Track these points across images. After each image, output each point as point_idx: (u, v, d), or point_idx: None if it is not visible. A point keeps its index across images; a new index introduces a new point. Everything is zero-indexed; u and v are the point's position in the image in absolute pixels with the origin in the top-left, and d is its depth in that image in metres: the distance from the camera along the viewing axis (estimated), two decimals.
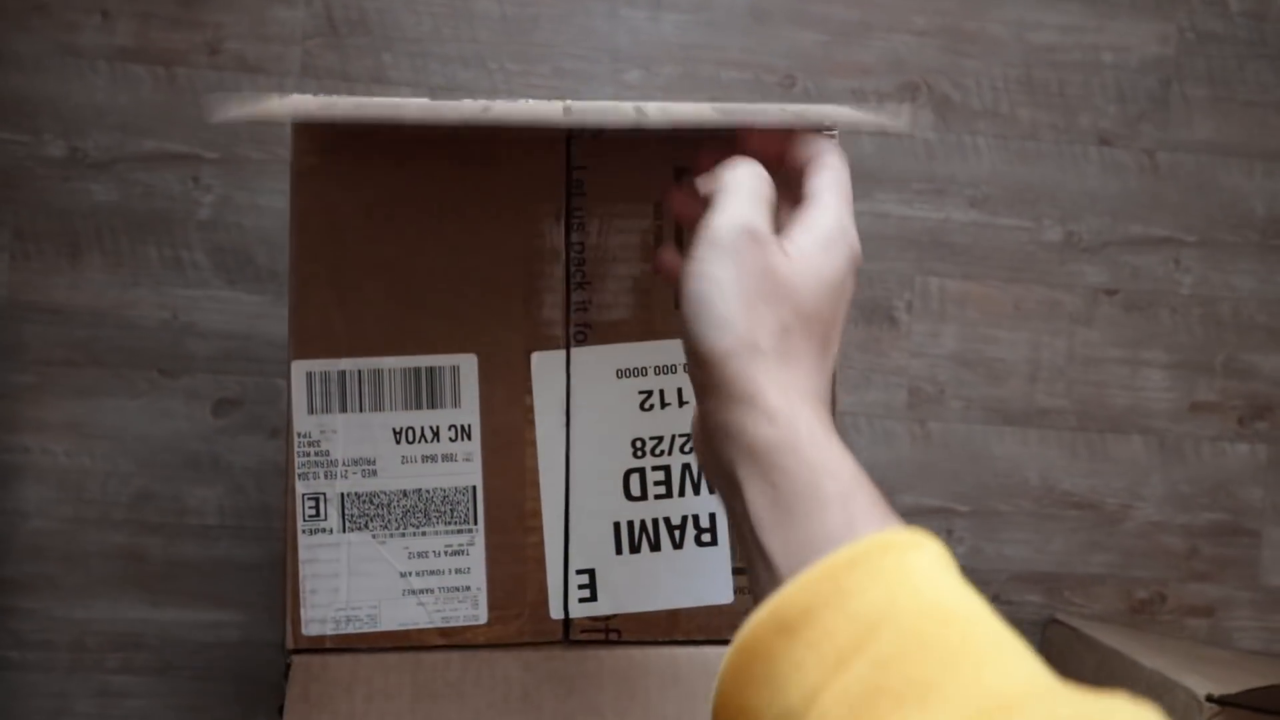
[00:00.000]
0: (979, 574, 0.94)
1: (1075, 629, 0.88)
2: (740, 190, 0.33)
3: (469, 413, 0.50)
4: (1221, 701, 0.66)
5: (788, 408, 0.30)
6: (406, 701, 0.48)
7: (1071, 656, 0.88)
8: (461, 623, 0.50)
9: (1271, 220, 0.97)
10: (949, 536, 0.94)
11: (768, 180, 0.35)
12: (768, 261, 0.32)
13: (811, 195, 0.35)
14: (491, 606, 0.51)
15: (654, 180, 0.51)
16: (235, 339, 0.90)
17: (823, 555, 0.27)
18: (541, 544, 0.51)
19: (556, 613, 0.51)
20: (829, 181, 0.36)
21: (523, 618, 0.51)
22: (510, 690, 0.49)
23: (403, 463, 0.50)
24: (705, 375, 0.31)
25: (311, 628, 0.49)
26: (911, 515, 0.94)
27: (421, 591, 0.50)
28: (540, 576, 0.51)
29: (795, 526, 0.28)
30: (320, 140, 0.50)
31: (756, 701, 0.26)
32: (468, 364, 0.50)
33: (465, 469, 0.50)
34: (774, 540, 0.28)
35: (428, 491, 0.50)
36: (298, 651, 0.49)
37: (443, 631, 0.50)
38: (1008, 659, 0.25)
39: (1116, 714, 0.23)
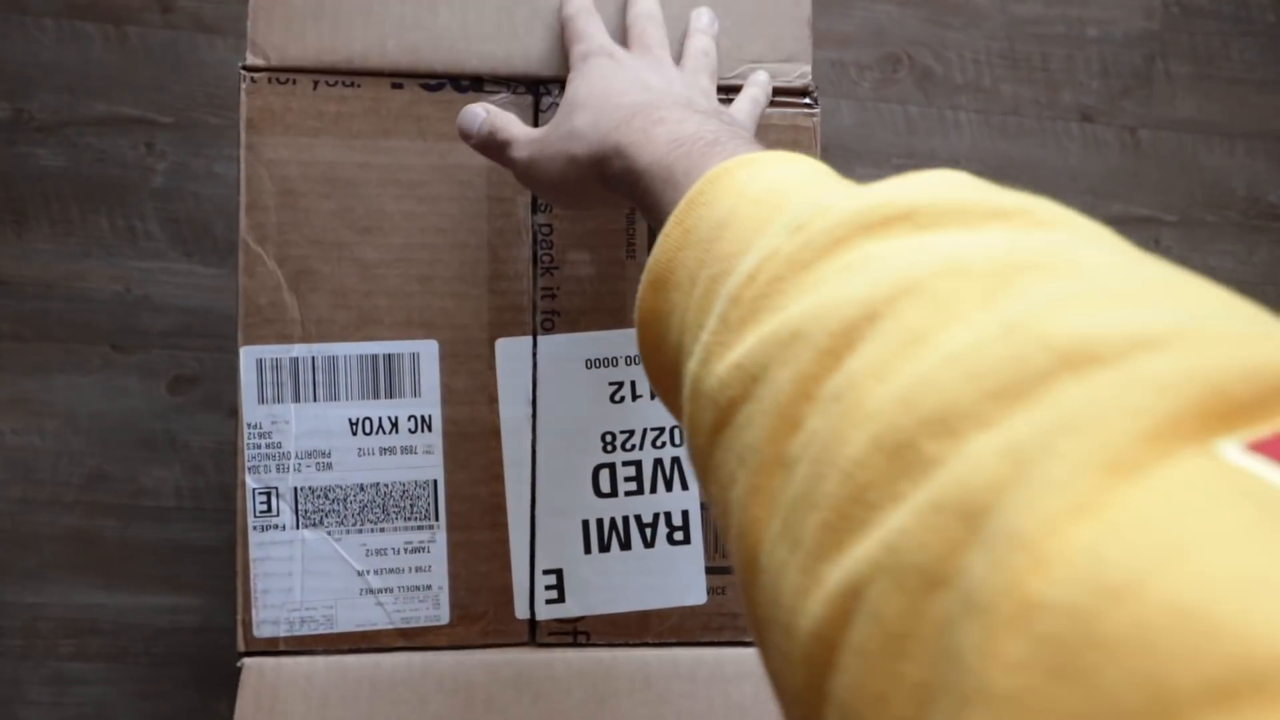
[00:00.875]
0: None
1: None
2: None
3: (429, 403, 0.48)
4: None
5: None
6: (364, 706, 0.46)
7: None
8: (422, 623, 0.48)
9: (1252, 200, 0.96)
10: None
11: None
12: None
13: None
14: (454, 606, 0.48)
15: None
16: (192, 313, 0.86)
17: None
18: (506, 542, 0.48)
19: (522, 613, 0.49)
20: None
21: (487, 618, 0.49)
22: (473, 695, 0.46)
23: (359, 455, 0.48)
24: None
25: (264, 629, 0.47)
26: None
27: (380, 591, 0.48)
28: (505, 576, 0.48)
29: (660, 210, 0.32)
30: (273, 107, 0.46)
31: (657, 353, 0.30)
32: (428, 351, 0.48)
33: (425, 462, 0.48)
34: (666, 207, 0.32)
35: (386, 486, 0.48)
36: (249, 654, 0.47)
37: (403, 633, 0.48)
38: (821, 186, 0.28)
39: (921, 176, 0.24)
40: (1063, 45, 0.94)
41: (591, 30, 0.45)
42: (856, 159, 0.92)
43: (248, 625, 0.47)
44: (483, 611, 0.48)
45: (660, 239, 0.30)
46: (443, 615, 0.48)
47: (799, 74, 0.49)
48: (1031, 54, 0.94)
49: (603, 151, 0.37)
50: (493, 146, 0.43)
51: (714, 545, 0.50)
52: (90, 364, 0.85)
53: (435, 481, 0.48)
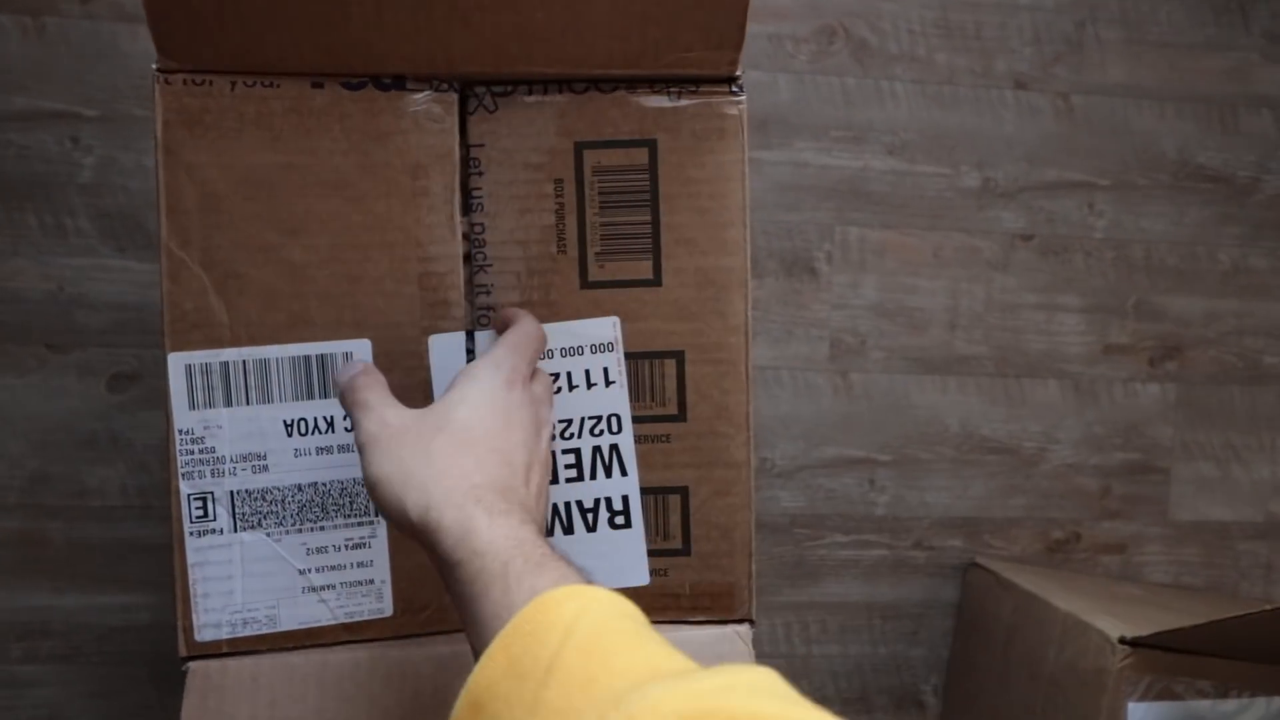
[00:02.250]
0: (901, 522, 0.95)
1: (994, 573, 0.90)
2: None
3: None
4: (1134, 643, 0.68)
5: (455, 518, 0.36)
6: (313, 704, 0.46)
7: (990, 600, 0.89)
8: (366, 617, 0.49)
9: (1182, 163, 0.98)
10: (871, 486, 0.94)
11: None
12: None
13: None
14: (397, 599, 0.49)
15: (555, 158, 0.49)
16: (128, 310, 0.85)
17: (491, 632, 0.32)
18: None
19: None
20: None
21: (430, 608, 0.49)
22: (421, 688, 0.47)
23: (296, 456, 0.48)
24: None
25: (205, 633, 0.47)
26: (834, 466, 0.94)
27: (323, 588, 0.48)
28: None
29: (476, 606, 0.34)
30: (190, 109, 0.46)
31: None
32: (361, 349, 0.48)
33: None
34: (467, 620, 0.35)
35: (324, 485, 0.48)
36: (192, 658, 0.47)
37: (347, 627, 0.48)
38: (644, 652, 0.31)
39: (738, 676, 0.28)
40: (996, 13, 0.95)
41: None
42: (794, 133, 0.93)
43: (188, 630, 0.47)
44: (426, 602, 0.49)
45: (484, 659, 0.32)
46: (386, 608, 0.49)
47: (728, 61, 0.49)
48: (965, 23, 0.95)
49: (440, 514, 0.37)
50: (348, 402, 0.42)
51: (655, 528, 0.51)
52: (26, 365, 0.84)
53: None
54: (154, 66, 0.46)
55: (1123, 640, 0.68)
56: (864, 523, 0.95)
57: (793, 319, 0.93)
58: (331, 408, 0.48)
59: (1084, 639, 0.73)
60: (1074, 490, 0.97)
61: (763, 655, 1.01)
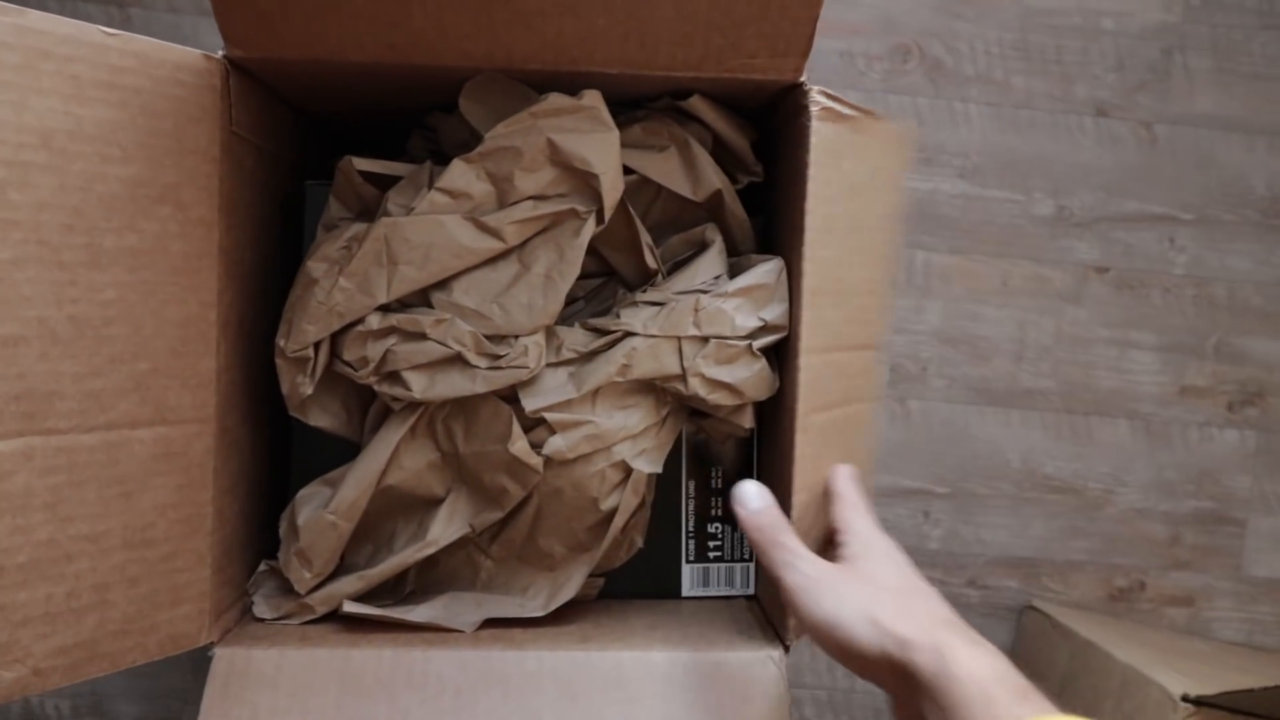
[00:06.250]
0: (956, 557, 0.91)
1: (1051, 617, 0.86)
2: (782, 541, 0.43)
3: None
4: (1198, 702, 0.64)
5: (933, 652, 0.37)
6: (333, 698, 0.45)
7: (1045, 646, 0.86)
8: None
9: (1272, 199, 0.93)
10: (926, 519, 0.91)
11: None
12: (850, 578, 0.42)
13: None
14: None
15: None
16: None
17: None
18: None
19: None
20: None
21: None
22: (443, 689, 0.46)
23: None
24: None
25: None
26: (889, 496, 0.91)
27: None
28: None
29: None
30: None
31: None
32: None
33: None
34: None
35: None
36: (220, 645, 0.46)
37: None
38: None
39: None
40: (1078, 37, 0.92)
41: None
42: None
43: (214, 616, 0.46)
44: None
45: None
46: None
47: (793, 69, 0.48)
48: (1045, 46, 0.92)
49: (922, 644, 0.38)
50: (766, 549, 0.44)
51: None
52: None
53: None
54: (220, 53, 0.46)
55: (1186, 698, 0.65)
56: (916, 555, 0.91)
57: None
58: None
59: (1145, 694, 0.69)
60: (1141, 536, 0.93)
61: (803, 687, 0.98)
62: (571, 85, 0.47)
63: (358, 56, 0.46)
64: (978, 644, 0.37)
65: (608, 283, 0.52)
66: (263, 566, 0.52)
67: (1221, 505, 0.93)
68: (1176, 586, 0.93)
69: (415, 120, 0.55)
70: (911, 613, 0.39)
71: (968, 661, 0.36)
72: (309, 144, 0.58)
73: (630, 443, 0.48)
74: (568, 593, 0.49)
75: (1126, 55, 0.93)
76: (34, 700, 0.85)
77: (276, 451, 0.54)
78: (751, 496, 0.45)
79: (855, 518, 0.45)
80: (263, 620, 0.49)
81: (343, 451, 0.51)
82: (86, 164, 0.39)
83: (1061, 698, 0.81)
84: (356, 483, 0.48)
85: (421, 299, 0.47)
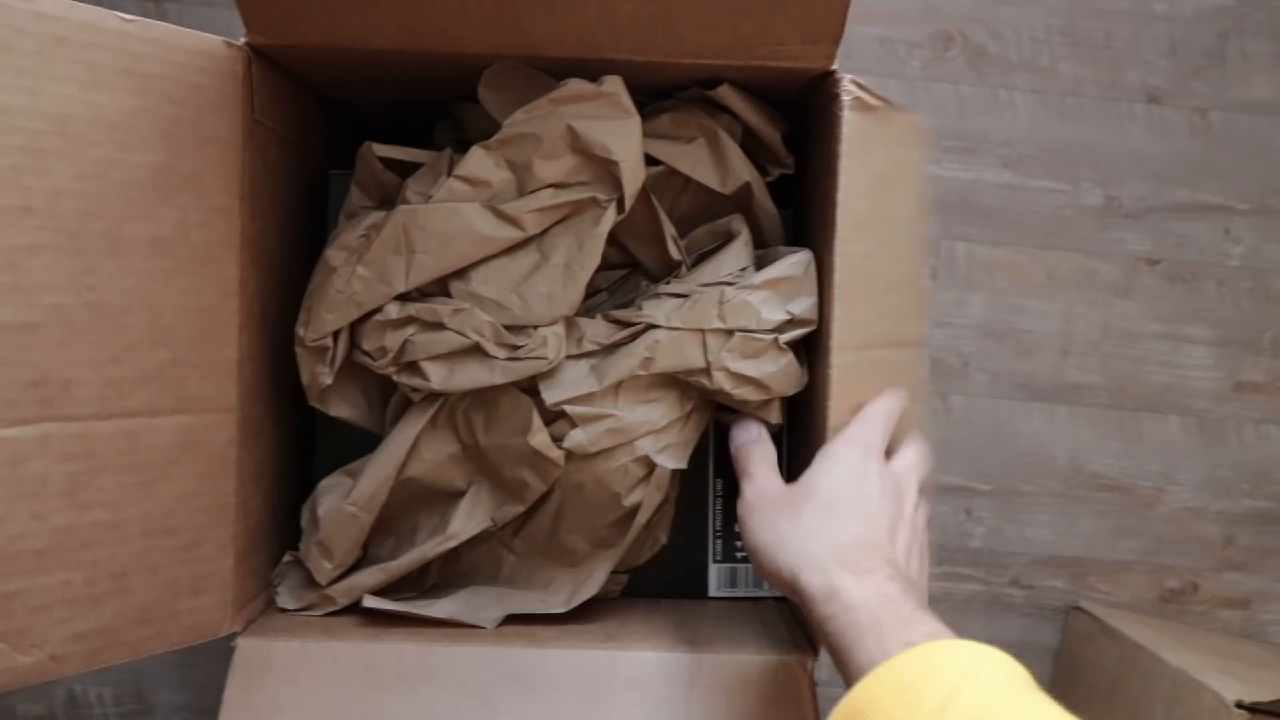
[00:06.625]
0: (999, 556, 0.89)
1: (1098, 619, 0.84)
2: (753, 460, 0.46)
3: None
4: (1253, 708, 0.61)
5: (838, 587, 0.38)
6: (354, 692, 0.45)
7: (1092, 647, 0.83)
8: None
9: None
10: (968, 516, 0.89)
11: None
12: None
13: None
14: None
15: None
16: None
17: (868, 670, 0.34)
18: None
19: None
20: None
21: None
22: (465, 686, 0.45)
23: None
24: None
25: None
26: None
27: None
28: None
29: (849, 655, 0.36)
30: None
31: None
32: None
33: None
34: (843, 668, 0.37)
35: None
36: (243, 635, 0.46)
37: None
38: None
39: None
40: (1128, 22, 0.89)
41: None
42: None
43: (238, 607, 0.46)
44: None
45: (871, 676, 0.34)
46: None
47: (824, 56, 0.46)
48: (1094, 31, 0.89)
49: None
50: (737, 468, 0.47)
51: None
52: None
53: None
54: (242, 40, 0.46)
55: (1240, 705, 0.62)
56: (958, 554, 0.89)
57: None
58: None
59: (1196, 699, 0.66)
60: (1193, 536, 0.89)
61: (840, 687, 0.95)
62: (596, 73, 0.46)
63: (379, 43, 0.46)
64: (869, 572, 0.38)
65: (631, 274, 0.51)
66: (287, 557, 0.52)
67: (1278, 505, 0.90)
68: (1231, 588, 0.89)
69: (441, 110, 0.54)
70: (819, 539, 0.41)
71: (854, 589, 0.37)
72: (336, 133, 0.58)
73: (653, 437, 0.47)
74: (590, 589, 0.49)
75: (1180, 40, 0.89)
76: (77, 688, 0.86)
77: (303, 442, 0.54)
78: (744, 429, 0.48)
79: (843, 429, 0.45)
80: (286, 611, 0.49)
81: (369, 442, 0.50)
82: (104, 151, 0.39)
83: (1108, 701, 0.78)
84: (376, 474, 0.48)
85: (440, 288, 0.46)
